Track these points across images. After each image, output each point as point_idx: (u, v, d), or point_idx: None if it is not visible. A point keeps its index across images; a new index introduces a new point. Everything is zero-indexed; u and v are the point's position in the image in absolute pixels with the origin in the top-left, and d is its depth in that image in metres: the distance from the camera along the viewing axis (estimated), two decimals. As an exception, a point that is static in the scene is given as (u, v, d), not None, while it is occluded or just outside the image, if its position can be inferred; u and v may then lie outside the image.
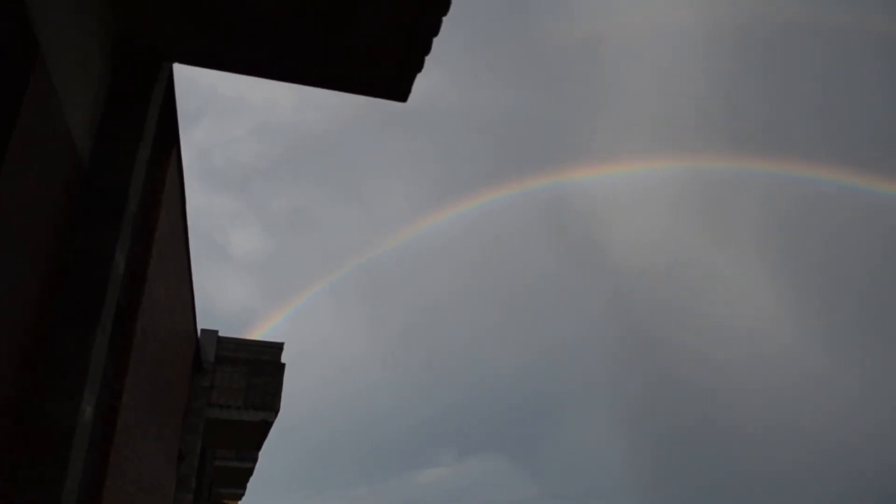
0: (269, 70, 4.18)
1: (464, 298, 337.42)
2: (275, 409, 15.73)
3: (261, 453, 16.63)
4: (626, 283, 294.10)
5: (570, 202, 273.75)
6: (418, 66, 4.04)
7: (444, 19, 3.61)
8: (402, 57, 3.97)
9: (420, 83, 4.20)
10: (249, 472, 16.74)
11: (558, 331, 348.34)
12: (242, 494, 17.67)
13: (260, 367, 16.11)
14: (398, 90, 4.31)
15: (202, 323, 14.39)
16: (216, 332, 14.45)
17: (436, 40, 3.75)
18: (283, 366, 16.02)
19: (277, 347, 16.07)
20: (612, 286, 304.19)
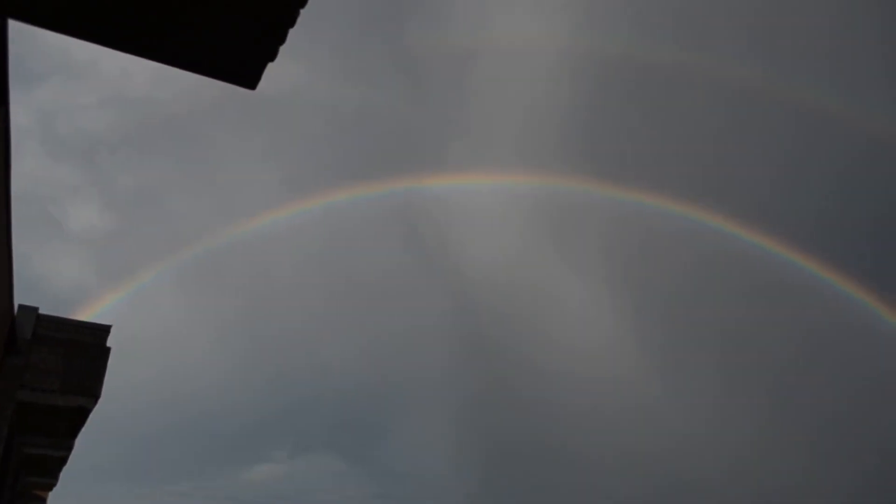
0: (115, 41, 4.01)
1: (304, 295, 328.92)
2: (95, 395, 14.85)
3: (79, 442, 15.71)
4: (473, 292, 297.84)
5: (426, 208, 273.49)
6: (271, 56, 4.01)
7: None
8: (256, 45, 3.93)
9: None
10: (63, 460, 15.78)
11: (400, 334, 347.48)
12: (54, 484, 16.61)
13: (81, 349, 15.16)
14: (248, 77, 4.26)
15: (25, 299, 13.40)
16: (36, 308, 13.53)
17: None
18: (107, 349, 15.15)
19: (103, 330, 15.18)
20: (460, 294, 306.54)
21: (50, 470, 16.12)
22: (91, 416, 15.13)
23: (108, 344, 15.37)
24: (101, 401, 14.91)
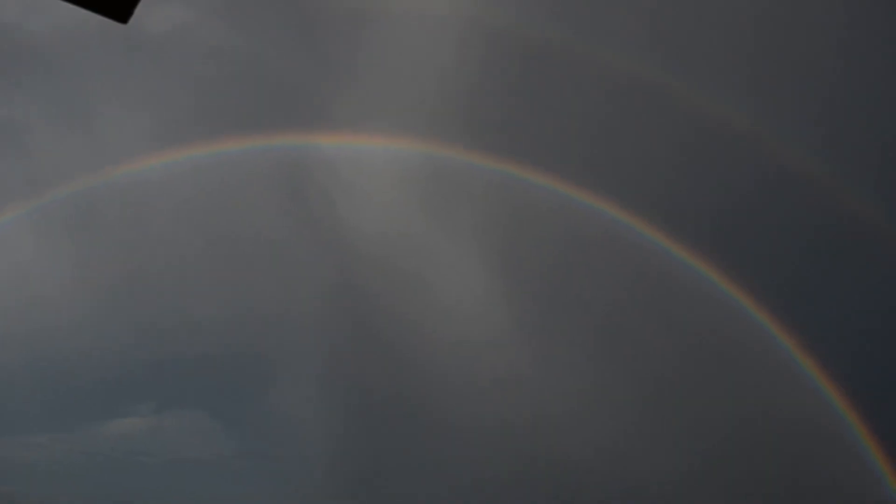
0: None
1: (182, 246, 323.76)
2: None
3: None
4: (356, 266, 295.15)
5: (313, 165, 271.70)
6: None
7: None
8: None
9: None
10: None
11: (277, 294, 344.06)
12: None
13: None
14: (120, 10, 4.23)
15: None
16: None
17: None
18: None
19: None
20: (341, 258, 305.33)
21: None
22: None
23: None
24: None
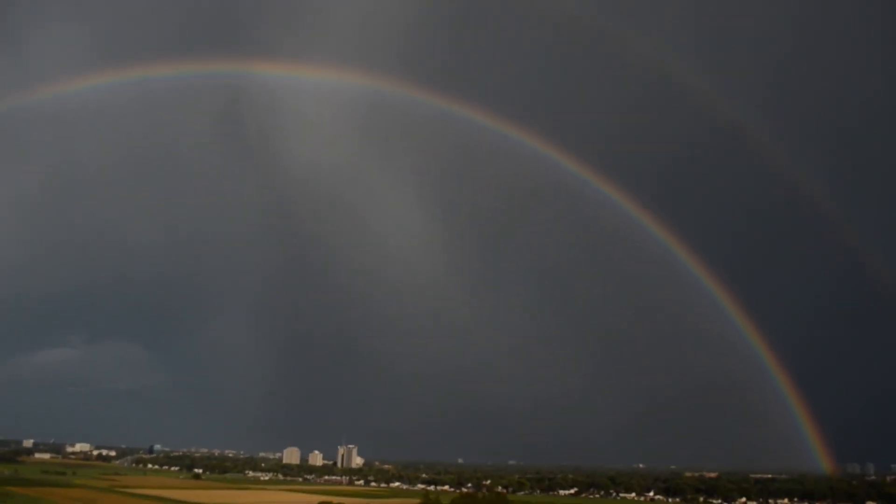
0: None
1: (112, 174, 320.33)
2: None
3: None
4: (292, 196, 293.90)
5: (251, 95, 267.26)
6: None
7: None
8: None
9: None
10: None
11: (211, 223, 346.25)
12: None
13: None
14: None
15: None
16: None
17: None
18: None
19: None
20: (277, 196, 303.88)
21: None
22: None
23: None
24: None
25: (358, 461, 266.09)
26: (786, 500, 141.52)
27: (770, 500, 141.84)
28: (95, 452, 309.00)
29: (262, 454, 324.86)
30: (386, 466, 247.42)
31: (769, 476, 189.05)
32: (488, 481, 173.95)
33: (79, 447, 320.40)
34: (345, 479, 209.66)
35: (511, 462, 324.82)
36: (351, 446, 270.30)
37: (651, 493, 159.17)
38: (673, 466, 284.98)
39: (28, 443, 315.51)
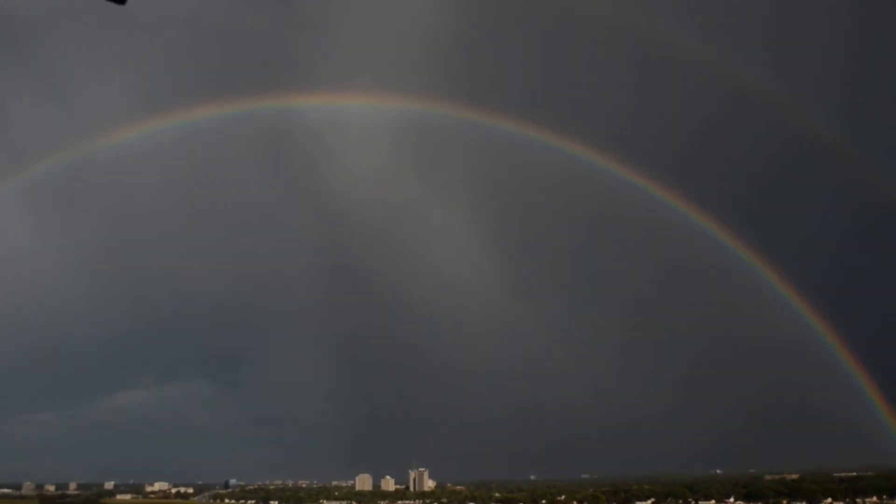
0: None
1: (168, 218, 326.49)
2: None
3: None
4: (342, 220, 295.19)
5: (294, 129, 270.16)
6: None
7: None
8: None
9: None
10: None
11: (267, 260, 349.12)
12: None
13: None
14: None
15: None
16: None
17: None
18: None
19: None
20: (328, 218, 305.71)
21: None
22: None
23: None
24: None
25: (430, 484, 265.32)
26: (874, 498, 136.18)
27: (858, 500, 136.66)
28: (174, 490, 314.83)
29: (334, 482, 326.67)
30: (458, 488, 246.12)
31: (854, 474, 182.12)
32: (562, 497, 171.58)
33: (157, 486, 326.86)
34: (418, 502, 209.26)
35: (584, 476, 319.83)
36: (422, 469, 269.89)
37: (731, 499, 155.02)
38: (752, 470, 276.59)
39: (109, 485, 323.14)
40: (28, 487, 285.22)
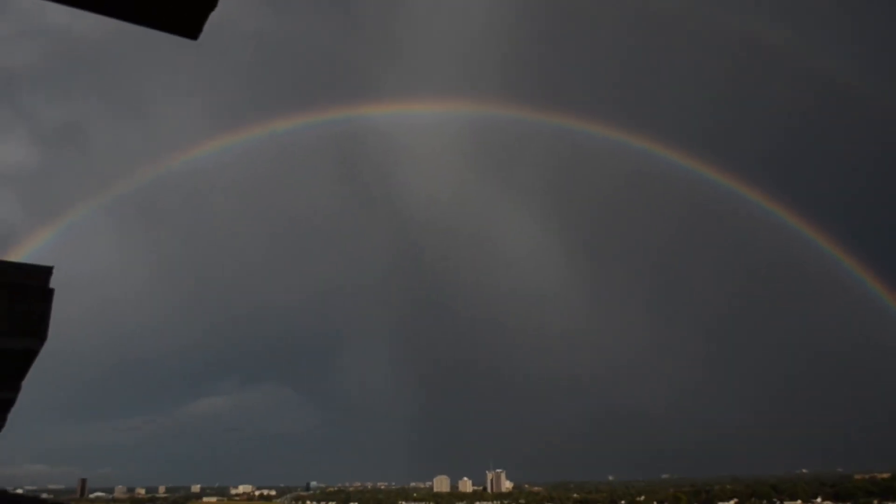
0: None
1: (245, 229, 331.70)
2: (41, 337, 14.79)
3: (25, 383, 15.55)
4: (415, 233, 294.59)
5: (363, 140, 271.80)
6: (212, 3, 3.71)
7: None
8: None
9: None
10: (11, 402, 15.65)
11: (341, 271, 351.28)
12: (2, 426, 16.52)
13: (25, 291, 15.13)
14: (190, 26, 3.93)
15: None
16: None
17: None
18: (51, 291, 15.08)
19: (45, 271, 15.13)
20: (401, 235, 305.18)
21: (-3, 412, 15.97)
22: (38, 358, 15.04)
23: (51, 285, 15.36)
24: (46, 342, 14.87)
25: (507, 485, 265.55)
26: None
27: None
28: (257, 493, 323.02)
29: (412, 484, 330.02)
30: (536, 489, 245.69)
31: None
32: (642, 497, 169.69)
33: (241, 489, 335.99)
34: (496, 503, 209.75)
35: (664, 476, 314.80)
36: (499, 471, 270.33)
37: (818, 500, 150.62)
38: (840, 469, 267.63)
39: (196, 488, 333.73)
40: (120, 491, 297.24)
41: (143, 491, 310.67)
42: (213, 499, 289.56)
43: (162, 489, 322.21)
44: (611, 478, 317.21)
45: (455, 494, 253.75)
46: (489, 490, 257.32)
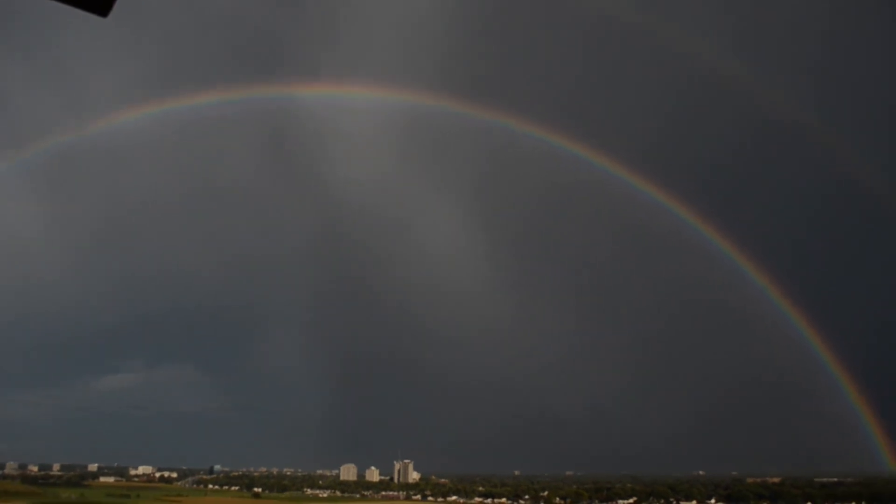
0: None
1: (165, 203, 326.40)
2: None
3: None
4: (338, 215, 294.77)
5: (293, 118, 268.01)
6: None
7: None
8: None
9: None
10: None
11: (263, 253, 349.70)
12: None
13: None
14: (100, 4, 3.95)
15: None
16: None
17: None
18: None
19: None
20: (324, 215, 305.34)
21: None
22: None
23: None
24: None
25: (414, 476, 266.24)
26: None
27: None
28: (158, 474, 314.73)
29: (319, 471, 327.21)
30: (442, 480, 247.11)
31: (835, 480, 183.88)
32: (545, 493, 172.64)
33: (141, 470, 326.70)
34: (402, 494, 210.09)
35: (568, 473, 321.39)
36: (407, 461, 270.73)
37: (712, 501, 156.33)
38: (734, 473, 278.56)
39: (93, 467, 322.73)
40: (11, 467, 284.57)
41: (35, 468, 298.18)
42: (111, 479, 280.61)
43: (56, 467, 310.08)
44: (516, 472, 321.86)
45: (361, 483, 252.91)
46: (396, 480, 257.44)
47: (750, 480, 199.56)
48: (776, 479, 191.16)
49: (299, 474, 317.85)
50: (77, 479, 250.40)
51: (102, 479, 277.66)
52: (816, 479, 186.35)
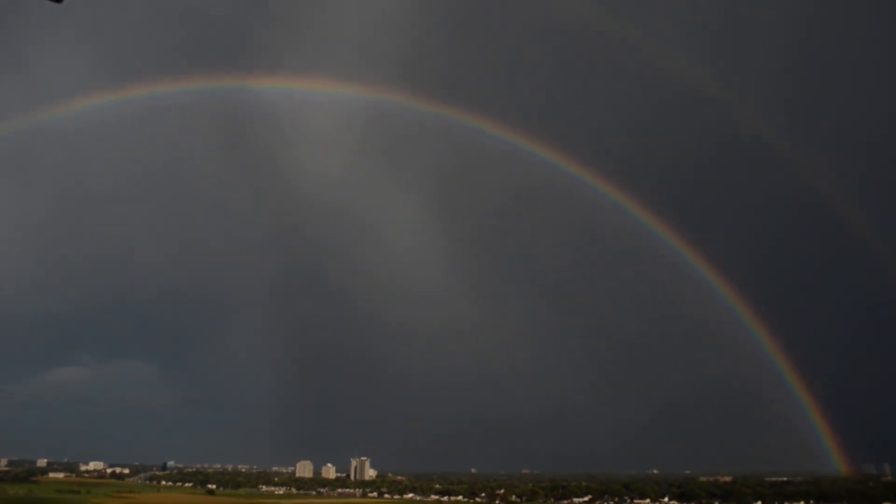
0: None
1: (121, 194, 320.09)
2: None
3: None
4: (298, 207, 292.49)
5: (256, 110, 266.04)
6: None
7: None
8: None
9: None
10: None
11: (220, 246, 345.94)
12: None
13: None
14: None
15: None
16: None
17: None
18: None
19: None
20: (284, 207, 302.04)
21: None
22: None
23: None
24: None
25: (371, 473, 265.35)
26: (801, 503, 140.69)
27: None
28: (109, 470, 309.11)
29: (274, 468, 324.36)
30: (399, 478, 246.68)
31: (784, 479, 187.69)
32: (502, 491, 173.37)
33: (92, 465, 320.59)
34: (358, 491, 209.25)
35: (524, 471, 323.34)
36: (363, 458, 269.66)
37: (665, 499, 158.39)
38: (687, 472, 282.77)
39: (42, 462, 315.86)
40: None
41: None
42: (61, 475, 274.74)
43: (3, 462, 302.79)
44: (473, 470, 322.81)
45: (317, 480, 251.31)
46: (352, 477, 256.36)
47: (702, 479, 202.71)
48: (728, 479, 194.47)
49: (254, 471, 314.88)
50: (25, 474, 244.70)
51: (52, 474, 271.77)
52: (767, 479, 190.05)
